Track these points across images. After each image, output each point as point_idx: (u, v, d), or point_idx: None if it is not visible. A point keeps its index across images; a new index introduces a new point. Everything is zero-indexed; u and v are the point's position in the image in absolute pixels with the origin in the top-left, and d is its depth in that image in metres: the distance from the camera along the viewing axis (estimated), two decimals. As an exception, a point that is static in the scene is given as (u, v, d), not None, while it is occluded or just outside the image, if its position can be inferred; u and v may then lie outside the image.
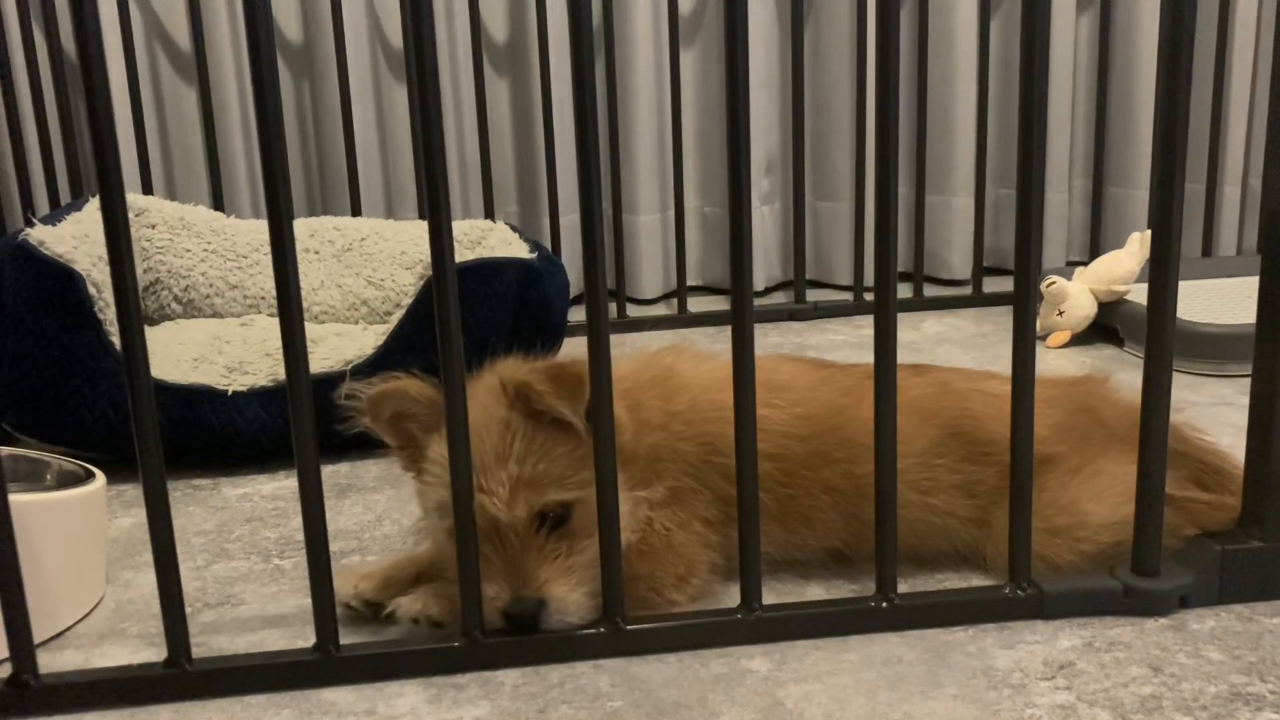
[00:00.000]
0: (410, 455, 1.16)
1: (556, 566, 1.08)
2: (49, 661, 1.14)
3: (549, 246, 2.32)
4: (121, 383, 1.54)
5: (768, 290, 2.61)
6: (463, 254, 1.72)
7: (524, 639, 1.09)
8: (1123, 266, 2.07)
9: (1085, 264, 2.21)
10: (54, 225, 1.69)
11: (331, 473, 1.61)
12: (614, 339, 1.05)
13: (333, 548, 1.18)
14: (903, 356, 1.11)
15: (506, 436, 1.09)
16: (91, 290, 1.58)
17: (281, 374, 1.10)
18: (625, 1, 2.37)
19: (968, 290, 2.47)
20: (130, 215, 1.13)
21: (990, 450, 1.20)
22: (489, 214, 2.39)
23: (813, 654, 1.10)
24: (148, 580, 1.17)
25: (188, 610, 1.11)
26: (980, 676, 1.05)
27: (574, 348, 1.20)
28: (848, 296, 2.49)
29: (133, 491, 1.54)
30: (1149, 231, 1.98)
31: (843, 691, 1.04)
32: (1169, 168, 1.08)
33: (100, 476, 1.29)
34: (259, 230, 2.10)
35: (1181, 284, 1.10)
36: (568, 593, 1.08)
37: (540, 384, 1.07)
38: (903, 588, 1.15)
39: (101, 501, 1.29)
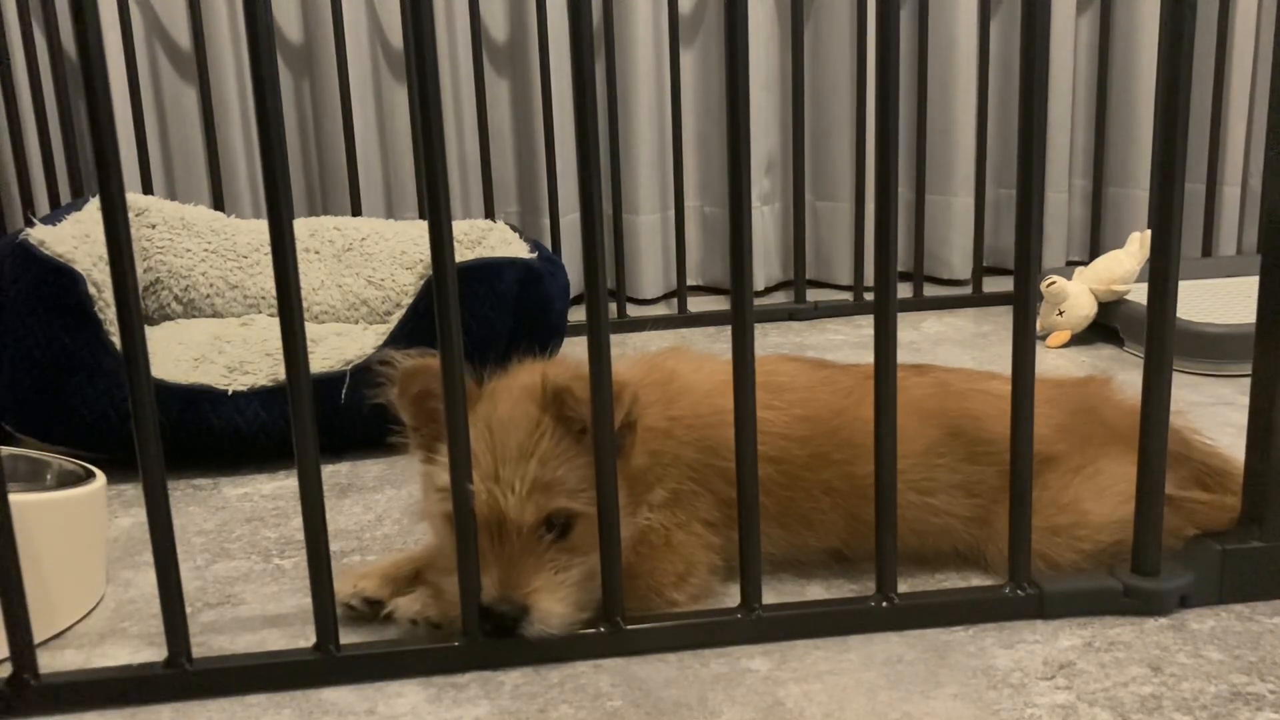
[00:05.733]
0: (425, 436, 1.15)
1: (549, 576, 1.08)
2: (49, 661, 1.14)
3: (549, 246, 2.32)
4: (121, 382, 1.55)
5: (768, 290, 2.61)
6: (463, 254, 1.73)
7: (524, 639, 1.09)
8: (1123, 266, 2.07)
9: (1085, 264, 2.21)
10: (54, 225, 1.69)
11: (331, 473, 1.61)
12: (614, 339, 1.05)
13: (333, 548, 1.18)
14: (903, 356, 1.11)
15: (534, 435, 1.08)
16: (91, 290, 1.58)
17: (282, 374, 1.10)
18: (625, 1, 2.37)
19: (968, 290, 2.47)
20: (130, 215, 1.13)
21: (990, 450, 1.20)
22: (489, 214, 2.39)
23: (813, 654, 1.10)
24: (148, 580, 1.17)
25: (188, 610, 1.11)
26: (980, 676, 1.05)
27: (574, 348, 1.20)
28: (848, 296, 2.49)
29: (133, 491, 1.54)
30: (1149, 231, 1.98)
31: (843, 691, 1.04)
32: (1169, 168, 1.08)
33: (100, 476, 1.29)
34: (259, 230, 2.10)
35: (1181, 284, 1.10)
36: (554, 604, 1.07)
37: (581, 392, 1.06)
38: (903, 588, 1.15)
39: (101, 501, 1.29)
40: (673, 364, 1.27)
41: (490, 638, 1.08)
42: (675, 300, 2.42)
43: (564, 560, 1.08)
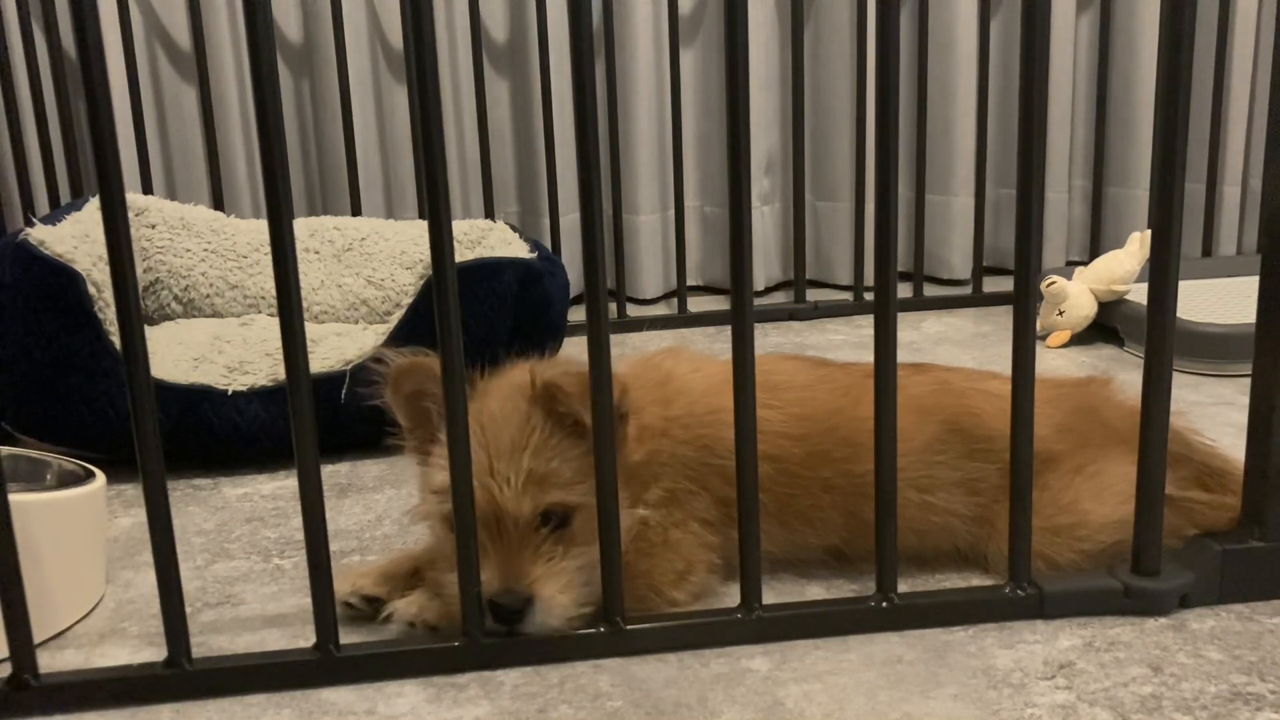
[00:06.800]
0: (420, 437, 1.16)
1: (550, 567, 1.08)
2: (49, 661, 1.14)
3: (549, 246, 2.32)
4: (121, 383, 1.54)
5: (768, 290, 2.61)
6: (463, 254, 1.73)
7: (524, 638, 1.09)
8: (1123, 266, 2.07)
9: (1085, 264, 2.21)
10: (54, 225, 1.69)
11: (331, 473, 1.61)
12: (614, 339, 1.05)
13: (333, 547, 1.18)
14: (903, 356, 1.11)
15: (525, 430, 1.09)
16: (91, 290, 1.58)
17: (281, 374, 1.10)
18: (625, 1, 2.37)
19: (968, 290, 2.47)
20: (130, 215, 1.13)
21: (990, 448, 1.20)
22: (489, 214, 2.39)
23: (813, 654, 1.10)
24: (148, 580, 1.17)
25: (188, 610, 1.11)
26: (980, 676, 1.05)
27: (574, 348, 1.20)
28: (848, 296, 2.49)
29: (133, 491, 1.54)
30: (1149, 231, 1.98)
31: (843, 691, 1.04)
32: (1169, 168, 1.07)
33: (100, 476, 1.29)
34: (259, 230, 2.10)
35: (1181, 284, 1.10)
36: (556, 594, 1.08)
37: (570, 386, 1.07)
38: (903, 588, 1.15)
39: (101, 501, 1.29)
40: (670, 365, 1.27)
41: (492, 633, 1.08)
42: (675, 300, 2.42)
43: (563, 551, 1.09)
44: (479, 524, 1.07)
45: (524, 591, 1.07)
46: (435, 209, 1.01)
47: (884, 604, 1.14)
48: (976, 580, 1.21)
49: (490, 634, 1.09)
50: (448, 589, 1.10)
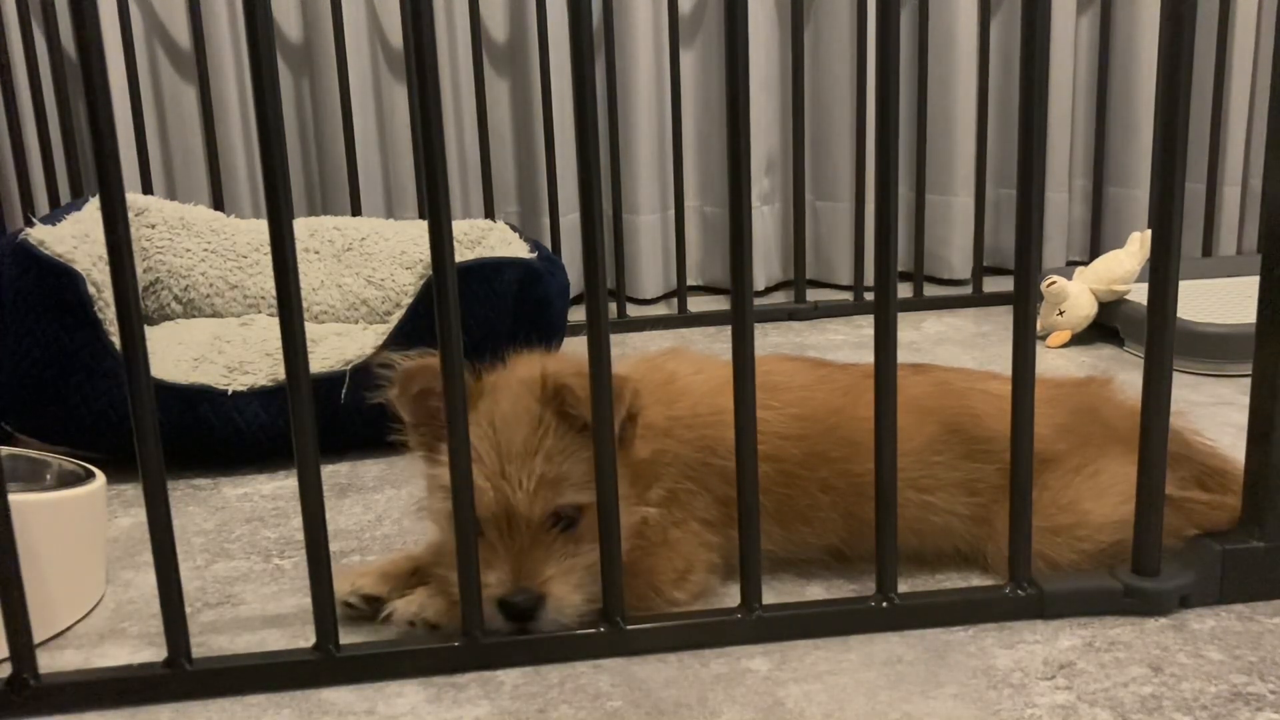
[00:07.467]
0: (425, 435, 1.16)
1: (561, 566, 1.09)
2: (49, 661, 1.14)
3: (549, 246, 2.32)
4: (121, 382, 1.54)
5: (768, 290, 2.61)
6: (463, 254, 1.73)
7: (524, 638, 1.09)
8: (1123, 266, 2.07)
9: (1085, 264, 2.21)
10: (54, 225, 1.69)
11: (331, 473, 1.61)
12: (614, 339, 1.05)
13: (333, 548, 1.18)
14: (903, 356, 1.11)
15: (538, 431, 1.09)
16: (91, 290, 1.58)
17: (281, 374, 1.10)
18: (625, 1, 2.37)
19: (968, 290, 2.47)
20: (130, 215, 1.13)
21: (990, 448, 1.20)
22: (489, 214, 2.39)
23: (813, 654, 1.10)
24: (148, 580, 1.17)
25: (188, 610, 1.11)
26: (980, 676, 1.05)
27: (574, 347, 1.20)
28: (848, 296, 2.49)
29: (133, 491, 1.54)
30: (1149, 231, 1.98)
31: (843, 691, 1.04)
32: (1169, 168, 1.07)
33: (100, 476, 1.29)
34: (259, 230, 2.10)
35: (1181, 284, 1.10)
36: (568, 592, 1.09)
37: (581, 390, 1.07)
38: (903, 588, 1.15)
39: (101, 501, 1.29)
40: (673, 365, 1.27)
41: (498, 630, 1.08)
42: (675, 300, 2.42)
43: (573, 550, 1.09)
44: (490, 524, 1.08)
45: (536, 590, 1.07)
46: (435, 209, 1.01)
47: (884, 604, 1.14)
48: (976, 580, 1.21)
49: (495, 632, 1.09)
50: (455, 585, 1.10)
